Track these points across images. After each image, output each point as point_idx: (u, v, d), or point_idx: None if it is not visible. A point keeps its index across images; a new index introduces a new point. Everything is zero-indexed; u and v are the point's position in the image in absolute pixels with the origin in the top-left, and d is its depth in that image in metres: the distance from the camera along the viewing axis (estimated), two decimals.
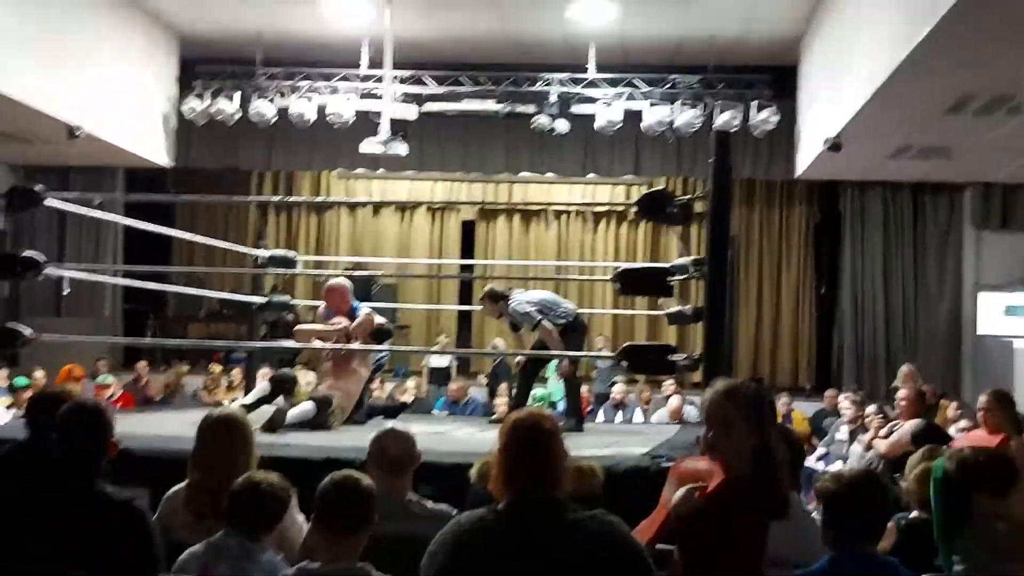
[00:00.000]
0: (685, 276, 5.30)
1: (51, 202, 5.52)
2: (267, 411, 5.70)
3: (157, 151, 11.81)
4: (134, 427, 5.40)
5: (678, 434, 6.50)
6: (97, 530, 2.73)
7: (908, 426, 6.40)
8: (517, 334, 6.95)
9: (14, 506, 2.82)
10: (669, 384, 9.62)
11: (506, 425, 2.51)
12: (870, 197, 12.22)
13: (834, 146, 9.64)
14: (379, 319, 6.49)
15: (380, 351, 6.59)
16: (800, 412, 9.98)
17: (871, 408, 7.13)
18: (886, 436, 6.50)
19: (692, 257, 5.30)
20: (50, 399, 3.34)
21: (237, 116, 11.44)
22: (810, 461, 7.97)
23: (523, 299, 6.54)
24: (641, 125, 11.21)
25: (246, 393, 7.97)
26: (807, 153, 10.94)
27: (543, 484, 2.39)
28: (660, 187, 9.46)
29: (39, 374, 8.97)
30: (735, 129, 10.75)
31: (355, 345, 6.21)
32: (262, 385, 6.10)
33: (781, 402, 9.97)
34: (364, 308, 6.48)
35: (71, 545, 2.67)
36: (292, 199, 14.04)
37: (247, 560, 2.77)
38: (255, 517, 2.86)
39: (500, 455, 2.45)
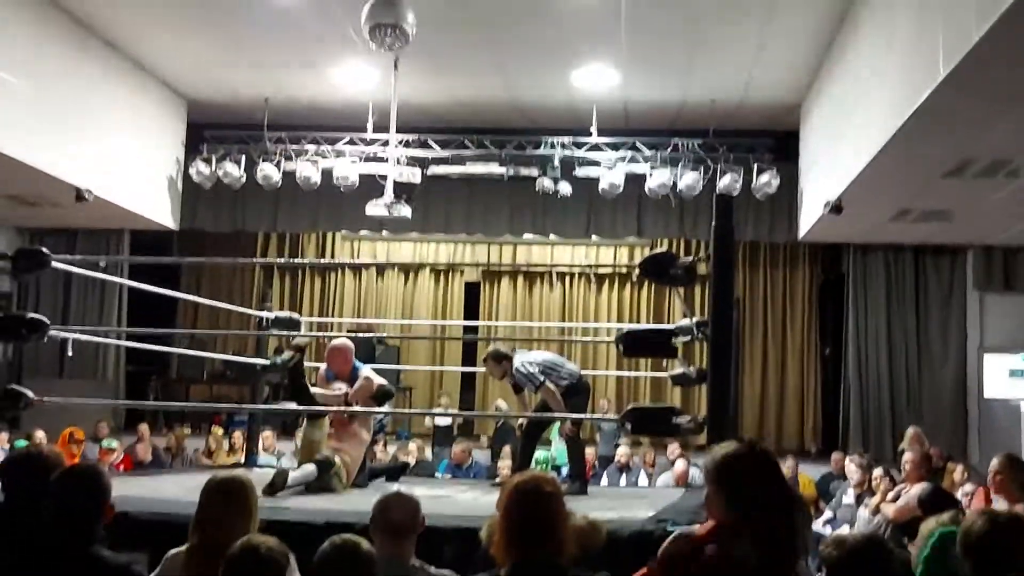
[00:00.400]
0: (689, 337, 5.30)
1: (58, 264, 5.56)
2: (267, 474, 5.67)
3: (163, 214, 11.90)
4: (133, 490, 5.36)
5: (683, 498, 6.44)
6: None
7: (915, 490, 6.33)
8: (520, 396, 6.93)
9: (10, 571, 2.78)
10: (674, 447, 9.55)
11: (507, 488, 2.49)
12: (872, 259, 12.25)
13: (835, 209, 9.69)
14: (379, 381, 6.47)
15: (381, 413, 6.58)
16: (806, 475, 9.89)
17: (878, 471, 7.06)
18: (893, 500, 6.43)
19: (696, 319, 5.31)
20: (27, 460, 3.30)
21: (243, 179, 11.56)
22: (817, 525, 7.87)
23: (526, 360, 6.54)
24: (644, 187, 11.30)
25: (246, 458, 7.95)
26: (809, 216, 11.00)
27: (545, 548, 2.36)
28: (663, 249, 9.52)
29: (40, 435, 8.93)
30: (737, 192, 10.83)
31: (357, 408, 6.19)
32: (307, 469, 5.90)
33: (787, 465, 9.88)
34: (365, 370, 6.47)
35: None
36: (296, 261, 14.11)
37: None
38: None
39: (502, 519, 2.43)
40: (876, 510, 6.60)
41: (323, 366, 6.67)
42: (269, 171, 11.45)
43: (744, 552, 2.51)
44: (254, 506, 3.34)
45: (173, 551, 3.31)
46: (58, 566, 2.75)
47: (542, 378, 6.36)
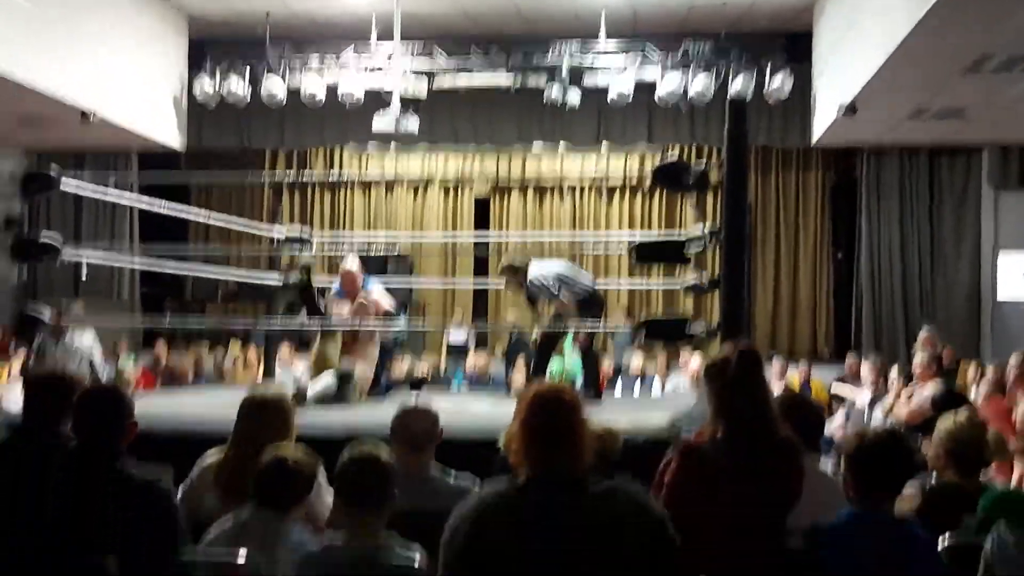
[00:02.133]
0: (702, 246, 5.29)
1: (66, 185, 5.54)
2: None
3: (169, 133, 11.81)
4: (154, 408, 5.44)
5: (697, 404, 6.50)
6: (121, 511, 2.75)
7: (928, 391, 6.39)
8: (534, 308, 6.94)
9: (36, 492, 2.84)
10: (687, 355, 9.61)
11: (526, 397, 2.49)
12: (886, 162, 12.11)
13: (849, 110, 9.54)
14: (385, 302, 6.49)
15: (396, 329, 6.62)
16: (819, 380, 9.95)
17: (893, 373, 7.09)
18: (906, 402, 6.49)
19: (708, 226, 5.28)
20: (49, 380, 3.34)
21: (247, 97, 11.41)
22: (830, 428, 7.96)
23: (542, 271, 6.53)
24: (654, 94, 11.11)
25: (265, 372, 8.05)
26: (822, 119, 10.84)
27: (564, 456, 2.37)
28: (675, 157, 9.42)
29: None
30: (749, 96, 10.64)
31: (373, 324, 6.23)
32: (328, 381, 6.00)
33: (799, 370, 9.96)
34: (375, 286, 6.49)
35: (96, 528, 2.70)
36: (305, 177, 14.03)
37: (275, 539, 2.78)
38: (282, 493, 2.88)
39: (520, 428, 2.43)
40: (889, 412, 6.67)
41: (334, 286, 6.70)
42: (273, 87, 11.29)
43: (719, 447, 2.59)
44: (291, 422, 3.39)
45: (206, 460, 3.37)
46: (84, 483, 2.81)
47: (557, 289, 6.36)
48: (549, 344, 6.87)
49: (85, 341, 6.88)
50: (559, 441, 2.37)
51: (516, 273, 6.61)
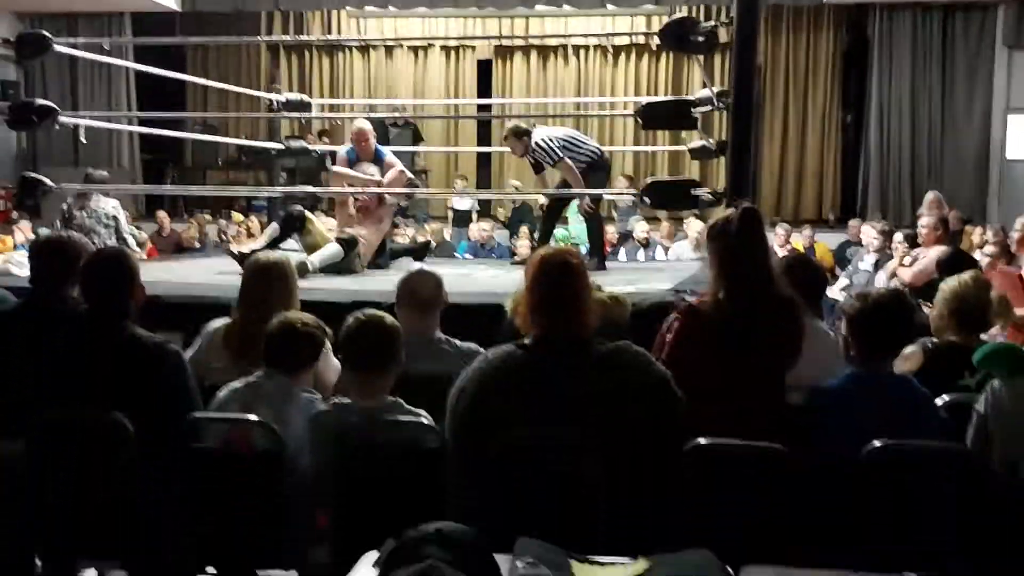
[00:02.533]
0: (709, 108, 5.18)
1: (61, 47, 5.41)
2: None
3: None
4: (161, 275, 5.47)
5: (701, 269, 6.52)
6: (133, 372, 2.79)
7: (933, 253, 6.36)
8: (539, 175, 6.86)
9: (47, 355, 2.88)
10: (693, 221, 9.58)
11: (533, 262, 2.51)
12: (899, 20, 11.80)
13: None
14: (400, 167, 6.43)
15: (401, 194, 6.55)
16: (824, 244, 9.96)
17: (898, 236, 7.07)
18: (910, 264, 6.48)
19: (716, 89, 5.17)
20: (55, 244, 3.34)
21: None
22: (833, 292, 7.98)
23: (546, 135, 6.43)
24: None
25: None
26: None
27: (570, 320, 2.40)
28: (683, 15, 9.13)
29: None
30: None
31: (383, 189, 6.16)
32: (271, 228, 6.03)
33: (804, 234, 9.95)
34: (388, 156, 6.40)
35: (108, 389, 2.74)
36: (303, 39, 13.70)
37: (286, 401, 2.83)
38: (292, 356, 2.91)
39: (528, 292, 2.45)
40: (893, 274, 6.67)
41: (343, 148, 6.61)
42: None
43: (720, 306, 2.61)
44: (294, 286, 3.42)
45: (213, 326, 3.41)
46: (94, 345, 2.84)
47: (561, 154, 6.28)
48: (554, 210, 6.84)
49: (110, 206, 6.92)
50: (565, 304, 2.40)
51: (521, 137, 6.51)
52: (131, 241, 7.24)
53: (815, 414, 2.66)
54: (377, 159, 6.31)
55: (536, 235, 7.04)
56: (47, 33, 5.28)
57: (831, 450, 2.52)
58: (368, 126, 6.47)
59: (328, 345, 3.21)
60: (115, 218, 6.92)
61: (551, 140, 6.35)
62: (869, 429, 2.46)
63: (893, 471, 2.41)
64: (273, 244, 5.80)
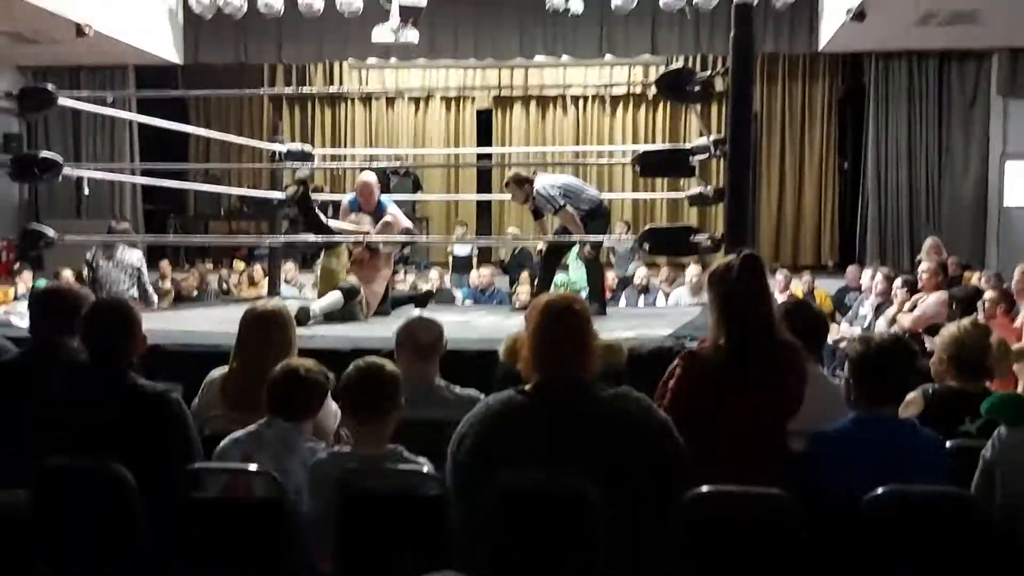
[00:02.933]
0: (706, 156, 5.23)
1: (64, 101, 5.48)
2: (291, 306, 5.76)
3: (166, 47, 11.62)
4: (161, 324, 5.48)
5: (701, 315, 6.53)
6: (134, 422, 2.78)
7: (933, 299, 6.40)
8: (539, 222, 6.91)
9: (48, 404, 2.87)
10: (691, 267, 9.61)
11: (537, 307, 2.52)
12: (894, 68, 11.91)
13: (858, 15, 9.35)
14: (404, 222, 6.48)
15: (401, 243, 6.59)
16: (823, 289, 9.97)
17: (897, 282, 7.09)
18: (910, 310, 6.51)
19: (713, 136, 5.22)
20: (53, 295, 3.35)
21: (244, 8, 11.15)
22: (833, 337, 7.99)
23: (547, 183, 6.48)
24: (659, 1, 10.86)
25: (268, 290, 8.07)
26: (830, 24, 10.63)
27: (573, 365, 2.41)
28: (680, 66, 9.25)
29: (67, 274, 9.04)
30: (756, 2, 10.37)
31: (379, 237, 6.20)
32: (335, 296, 5.94)
33: (803, 280, 9.97)
34: (391, 207, 6.45)
35: (109, 438, 2.73)
36: (306, 90, 13.85)
37: (288, 450, 2.82)
38: (295, 403, 2.90)
39: (531, 337, 2.47)
40: (893, 320, 6.69)
41: (346, 197, 6.66)
42: None
43: (722, 352, 2.62)
44: (292, 335, 3.41)
45: (212, 376, 3.41)
46: (95, 394, 2.84)
47: (563, 201, 6.32)
48: (555, 257, 6.87)
49: (135, 258, 7.04)
50: (569, 349, 2.41)
51: (522, 185, 6.56)
52: (151, 292, 7.35)
53: (818, 459, 2.66)
54: (379, 212, 6.36)
55: (536, 282, 7.05)
56: (51, 87, 5.35)
57: (835, 494, 2.50)
58: (373, 179, 6.53)
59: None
60: (139, 269, 7.06)
61: (552, 188, 6.41)
62: (874, 473, 2.46)
63: (896, 515, 2.40)
64: (334, 315, 5.81)
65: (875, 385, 2.69)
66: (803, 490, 2.49)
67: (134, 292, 6.77)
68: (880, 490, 2.39)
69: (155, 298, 7.59)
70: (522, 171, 6.74)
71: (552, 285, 7.01)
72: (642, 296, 9.96)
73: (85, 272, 7.03)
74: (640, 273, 10.12)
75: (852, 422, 2.70)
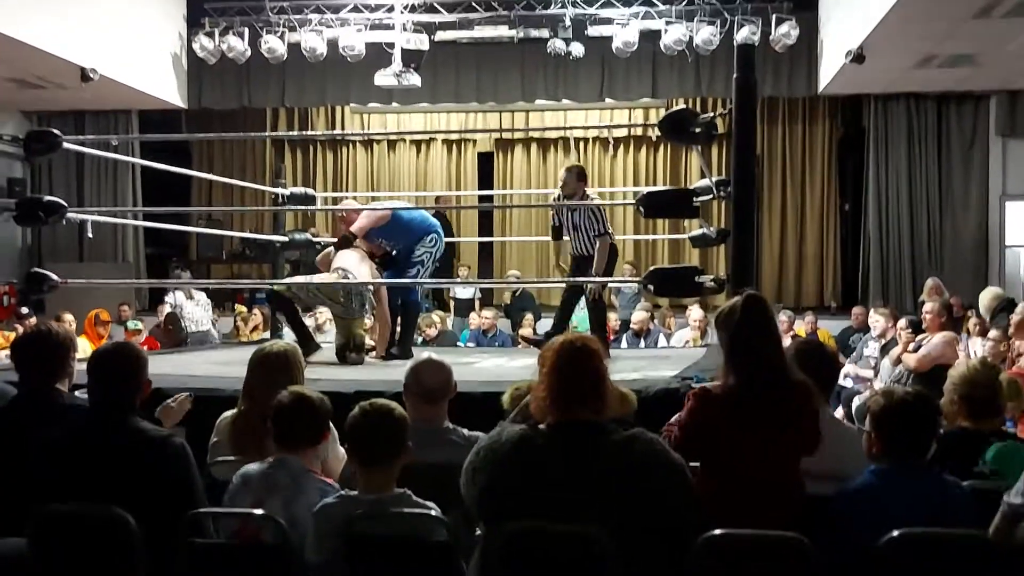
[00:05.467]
0: (710, 197, 5.23)
1: (69, 145, 5.49)
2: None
3: (170, 92, 11.72)
4: (163, 368, 5.44)
5: (706, 356, 6.50)
6: (137, 466, 2.75)
7: (938, 339, 6.37)
8: (556, 242, 6.65)
9: (46, 449, 2.84)
10: (695, 309, 9.60)
11: (554, 347, 2.51)
12: (894, 110, 11.99)
13: (857, 58, 9.43)
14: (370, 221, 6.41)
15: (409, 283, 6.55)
16: (826, 330, 9.95)
17: (902, 322, 7.07)
18: (914, 350, 6.47)
19: (716, 178, 5.23)
20: (37, 340, 3.31)
21: (247, 53, 11.29)
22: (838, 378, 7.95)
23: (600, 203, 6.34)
24: (659, 44, 10.97)
25: (271, 334, 8.04)
26: (829, 67, 10.72)
27: (590, 405, 2.39)
28: (681, 107, 9.31)
29: (68, 318, 9.01)
30: (756, 45, 10.50)
31: (376, 280, 6.16)
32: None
33: (806, 321, 9.95)
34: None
35: (112, 483, 2.70)
36: (308, 134, 13.94)
37: (299, 492, 2.79)
38: (300, 430, 2.87)
39: (548, 376, 2.45)
40: (898, 360, 6.65)
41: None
42: (274, 43, 11.16)
43: (733, 393, 2.59)
44: (299, 376, 3.39)
45: (224, 418, 3.39)
46: (100, 440, 2.81)
47: (605, 228, 6.18)
48: (575, 296, 6.65)
49: (204, 298, 7.41)
50: (585, 388, 2.39)
51: (581, 179, 6.33)
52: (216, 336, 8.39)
53: (842, 506, 2.60)
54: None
55: (554, 323, 6.76)
56: (56, 131, 5.37)
57: (859, 543, 2.44)
58: (349, 204, 6.53)
59: (335, 434, 3.18)
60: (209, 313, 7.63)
61: (603, 211, 6.23)
62: (905, 527, 2.40)
63: (921, 562, 2.35)
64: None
65: (899, 440, 2.64)
66: (823, 535, 2.43)
67: (213, 329, 7.03)
68: (896, 533, 2.35)
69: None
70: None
71: (569, 325, 6.83)
72: (642, 339, 9.91)
73: (168, 310, 7.91)
74: (642, 315, 10.08)
75: (875, 475, 2.64)
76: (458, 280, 12.10)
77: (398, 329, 6.38)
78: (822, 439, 2.68)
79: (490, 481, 2.35)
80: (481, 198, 13.37)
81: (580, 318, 10.52)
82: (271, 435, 2.91)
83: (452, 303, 11.93)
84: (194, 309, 7.16)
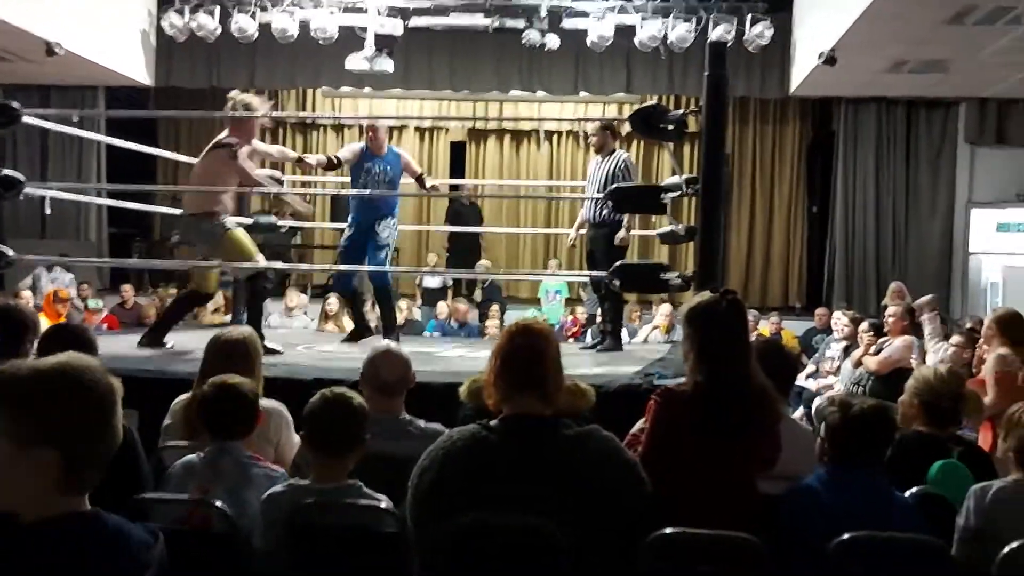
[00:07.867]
0: (679, 194, 5.22)
1: (29, 119, 5.38)
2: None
3: (138, 69, 11.54)
4: (119, 349, 5.36)
5: (669, 352, 6.51)
6: None
7: (899, 342, 6.42)
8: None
9: None
10: (664, 305, 9.63)
11: (506, 332, 2.48)
12: (864, 114, 12.08)
13: (829, 60, 9.48)
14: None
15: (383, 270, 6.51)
16: (790, 330, 10.01)
17: (863, 325, 7.12)
18: (875, 353, 6.52)
19: (685, 175, 5.21)
20: (2, 315, 3.26)
21: (218, 32, 11.12)
22: (800, 379, 8.00)
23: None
24: (634, 40, 10.95)
25: (232, 317, 7.95)
26: (801, 68, 10.77)
27: (539, 393, 2.34)
28: (653, 102, 9.30)
29: (27, 294, 8.87)
30: (729, 44, 10.52)
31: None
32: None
33: (771, 321, 10.00)
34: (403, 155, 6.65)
35: None
36: (278, 115, 13.77)
37: (245, 480, 2.75)
38: (228, 420, 2.82)
39: (495, 358, 2.41)
40: (859, 363, 6.69)
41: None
42: (244, 23, 11.00)
43: (699, 393, 2.57)
44: (256, 363, 3.35)
45: (178, 401, 3.34)
46: None
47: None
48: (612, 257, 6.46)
49: None
50: (535, 375, 2.35)
51: (614, 136, 6.54)
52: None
53: (791, 511, 2.59)
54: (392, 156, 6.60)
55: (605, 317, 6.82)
56: (16, 104, 5.25)
57: (806, 545, 2.43)
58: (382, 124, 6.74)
59: (290, 421, 3.13)
60: None
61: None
62: (843, 525, 2.40)
63: (864, 565, 2.35)
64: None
65: (851, 451, 2.62)
66: (774, 536, 2.42)
67: None
68: (845, 536, 2.34)
69: None
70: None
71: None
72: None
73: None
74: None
75: (820, 480, 2.63)
76: (425, 269, 12.03)
77: (372, 315, 6.39)
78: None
79: (438, 480, 2.30)
80: (452, 187, 13.29)
81: (549, 311, 10.57)
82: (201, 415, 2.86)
83: (419, 292, 11.85)
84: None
